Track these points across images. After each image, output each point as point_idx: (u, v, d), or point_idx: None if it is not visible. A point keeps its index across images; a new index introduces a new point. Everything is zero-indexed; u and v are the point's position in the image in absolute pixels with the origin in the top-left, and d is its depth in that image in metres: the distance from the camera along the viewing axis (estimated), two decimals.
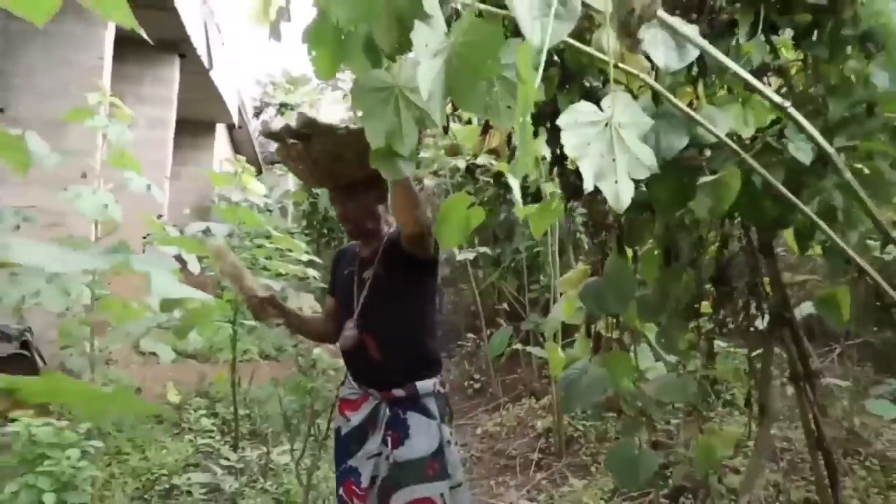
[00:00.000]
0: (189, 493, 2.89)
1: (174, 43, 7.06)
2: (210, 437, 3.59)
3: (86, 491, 1.95)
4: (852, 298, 2.33)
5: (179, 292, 1.41)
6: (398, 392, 1.83)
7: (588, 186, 1.07)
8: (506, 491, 3.33)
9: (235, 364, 3.27)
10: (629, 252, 2.13)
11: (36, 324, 4.41)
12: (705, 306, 2.74)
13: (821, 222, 1.42)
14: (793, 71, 1.99)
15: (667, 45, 1.32)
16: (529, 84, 1.02)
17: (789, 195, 1.48)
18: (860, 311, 2.77)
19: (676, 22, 1.37)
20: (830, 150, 1.32)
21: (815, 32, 1.69)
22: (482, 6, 1.33)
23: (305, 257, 3.76)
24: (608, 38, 1.24)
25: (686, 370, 2.41)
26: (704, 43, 1.21)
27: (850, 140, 1.68)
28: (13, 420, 2.06)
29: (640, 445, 2.14)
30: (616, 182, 1.07)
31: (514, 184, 1.10)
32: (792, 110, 1.29)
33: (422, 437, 1.79)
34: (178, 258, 3.24)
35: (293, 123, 1.67)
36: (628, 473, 2.08)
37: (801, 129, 1.29)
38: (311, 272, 3.45)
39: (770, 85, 1.91)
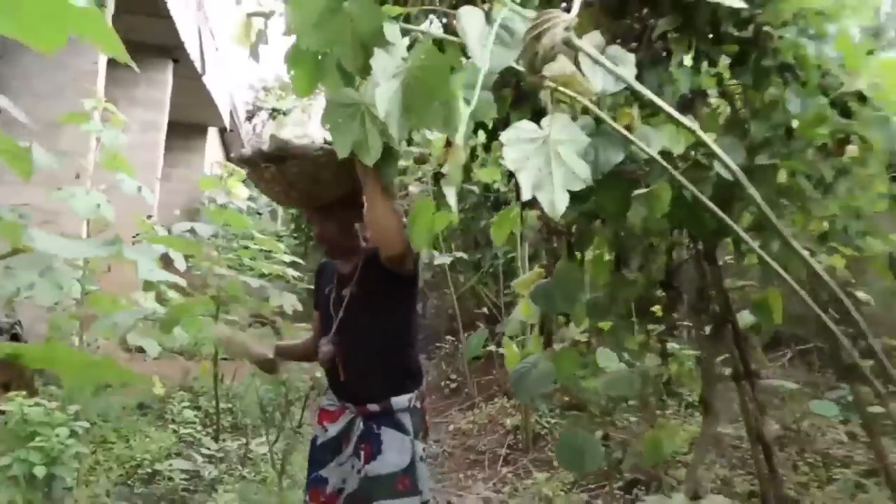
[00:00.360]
0: (170, 478, 3.04)
1: (168, 48, 7.23)
2: (192, 428, 3.75)
3: (72, 466, 2.11)
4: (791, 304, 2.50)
5: (161, 276, 1.62)
6: (372, 407, 1.85)
7: (525, 196, 1.25)
8: (473, 483, 3.50)
9: (217, 357, 3.42)
10: (579, 256, 2.32)
11: (26, 317, 4.56)
12: (658, 309, 2.95)
13: (741, 231, 1.60)
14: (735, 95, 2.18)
15: (602, 72, 1.51)
16: (463, 104, 1.21)
17: (713, 207, 1.64)
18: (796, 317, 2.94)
19: (615, 50, 1.56)
20: (734, 167, 1.49)
21: (742, 62, 1.88)
22: (440, 35, 1.52)
23: (287, 258, 3.93)
24: (551, 65, 1.42)
25: (639, 369, 2.59)
26: (613, 68, 1.38)
27: (772, 158, 1.87)
28: (9, 400, 2.22)
29: (587, 436, 2.30)
30: (552, 192, 1.25)
31: (450, 192, 1.28)
32: (700, 133, 1.47)
33: (394, 452, 1.80)
34: (166, 257, 3.40)
35: (265, 147, 1.72)
36: (574, 460, 2.24)
37: (708, 149, 1.47)
38: (291, 272, 3.62)
39: (709, 107, 2.11)
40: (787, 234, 1.72)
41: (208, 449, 3.41)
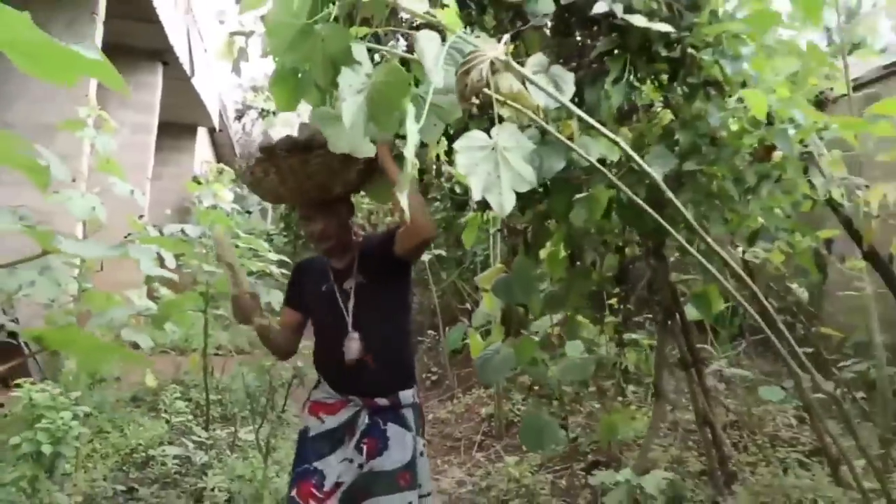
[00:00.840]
0: (164, 463, 3.25)
1: (158, 51, 7.41)
2: (184, 417, 3.95)
3: (74, 445, 2.31)
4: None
5: (159, 272, 1.86)
6: (381, 401, 1.86)
7: (476, 197, 1.46)
8: (449, 468, 3.72)
9: (207, 349, 3.63)
10: (539, 253, 2.54)
11: (22, 314, 4.74)
12: (615, 302, 3.19)
13: (670, 228, 1.81)
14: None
15: (544, 87, 1.72)
16: (412, 120, 1.42)
17: (644, 206, 1.83)
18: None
19: (557, 69, 1.78)
20: (655, 175, 1.71)
21: (673, 79, 2.10)
22: (402, 54, 1.73)
23: (274, 257, 4.14)
24: (503, 82, 1.62)
25: (594, 355, 2.81)
26: (546, 88, 1.58)
27: (700, 165, 2.09)
28: (17, 386, 2.42)
29: (547, 418, 2.52)
30: (500, 194, 1.45)
31: (402, 197, 1.49)
32: (623, 145, 1.68)
33: (398, 448, 1.82)
34: (157, 255, 3.60)
35: (298, 136, 1.75)
36: (535, 440, 2.47)
37: (630, 158, 1.68)
38: (276, 269, 3.82)
39: (650, 117, 2.32)
40: (713, 232, 1.95)
41: (199, 437, 3.61)
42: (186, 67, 8.08)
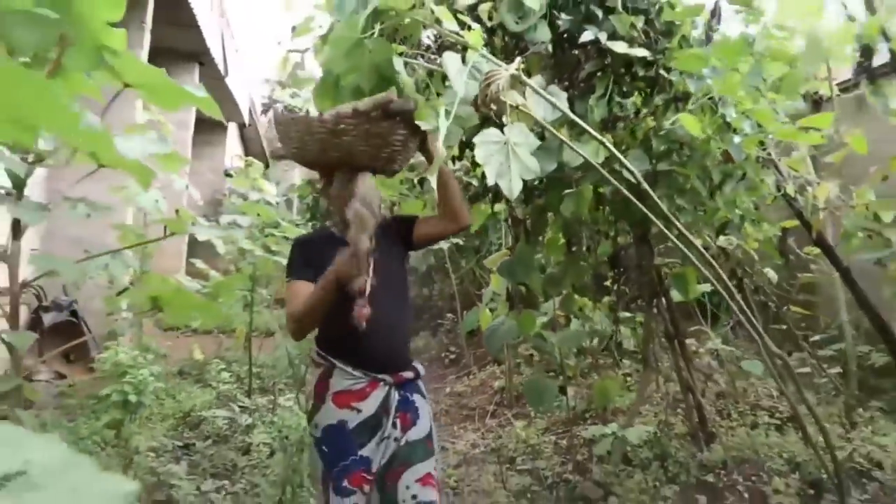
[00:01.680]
0: (214, 423, 3.74)
1: (195, 53, 7.91)
2: (228, 386, 4.44)
3: (153, 395, 2.79)
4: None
5: (224, 250, 2.40)
6: (408, 374, 1.93)
7: (490, 182, 1.87)
8: (465, 433, 4.17)
9: (252, 324, 4.10)
10: (536, 240, 2.95)
11: (81, 295, 5.26)
12: (610, 283, 3.60)
13: (651, 216, 2.21)
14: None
15: (543, 103, 2.14)
16: (444, 115, 1.81)
17: (629, 196, 2.20)
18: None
19: (553, 88, 2.20)
20: (635, 171, 2.10)
21: (650, 95, 2.51)
22: (431, 66, 2.16)
23: None
24: (511, 96, 2.03)
25: (589, 328, 3.22)
26: (550, 98, 1.98)
27: (671, 166, 2.49)
28: (106, 349, 2.90)
29: (546, 380, 2.95)
30: (510, 180, 1.85)
31: (432, 179, 1.88)
32: (610, 146, 2.06)
33: (425, 417, 1.94)
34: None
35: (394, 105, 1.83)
36: (536, 398, 2.90)
37: (615, 157, 2.07)
38: None
39: (629, 126, 2.72)
40: (683, 221, 2.35)
41: (243, 403, 4.10)
42: (221, 67, 8.57)
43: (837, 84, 4.26)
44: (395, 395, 1.89)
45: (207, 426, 3.74)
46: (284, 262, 3.88)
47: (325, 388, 1.89)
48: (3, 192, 1.35)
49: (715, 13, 2.34)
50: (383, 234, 1.94)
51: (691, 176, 2.56)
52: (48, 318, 5.03)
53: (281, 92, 17.81)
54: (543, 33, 2.43)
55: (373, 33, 1.86)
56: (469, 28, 2.00)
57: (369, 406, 1.86)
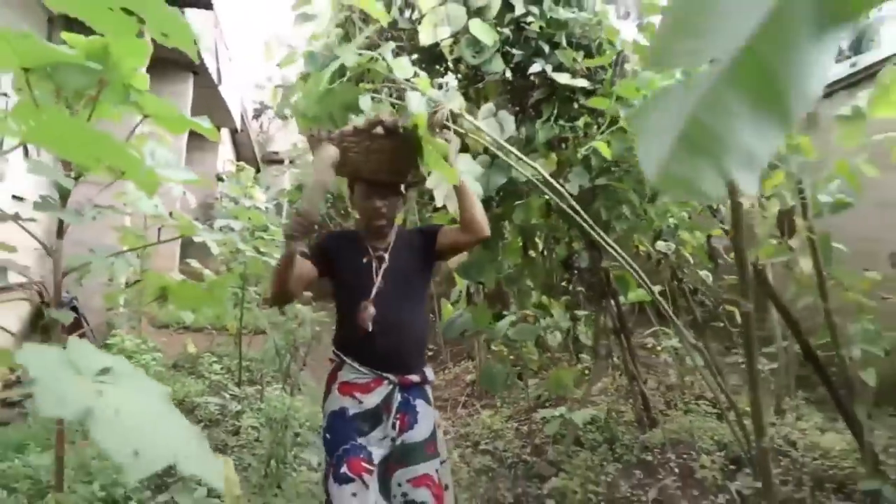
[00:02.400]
0: (207, 409, 4.09)
1: (190, 63, 8.25)
2: (220, 377, 4.79)
3: (154, 377, 3.14)
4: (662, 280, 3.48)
5: (217, 251, 2.79)
6: (414, 377, 2.01)
7: (439, 203, 2.26)
8: None
9: (242, 319, 4.46)
10: (498, 244, 3.32)
11: (81, 293, 5.60)
12: (566, 283, 3.97)
13: (586, 225, 2.58)
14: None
15: (493, 126, 2.53)
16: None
17: (570, 211, 2.57)
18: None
19: (503, 113, 2.58)
20: (564, 191, 2.48)
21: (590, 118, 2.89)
22: (395, 101, 2.52)
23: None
24: (465, 123, 2.40)
25: (543, 323, 3.60)
26: (488, 130, 2.37)
27: (609, 180, 2.88)
28: (113, 335, 3.25)
29: (499, 367, 3.33)
30: (455, 203, 2.23)
31: (439, 194, 2.24)
32: (539, 168, 2.44)
33: (425, 422, 2.00)
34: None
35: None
36: (489, 381, 3.28)
37: (546, 179, 2.45)
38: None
39: (572, 147, 3.10)
40: (618, 229, 2.73)
41: (233, 391, 4.45)
42: (214, 76, 8.92)
43: None
44: (398, 396, 1.97)
45: (201, 411, 4.09)
46: (273, 262, 4.22)
47: (333, 380, 2.04)
48: (50, 200, 1.71)
49: (618, 62, 2.73)
50: (405, 245, 2.12)
51: (628, 189, 2.95)
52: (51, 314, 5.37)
53: (272, 98, 18.14)
54: (497, 65, 2.82)
55: (342, 80, 2.23)
56: (416, 74, 2.38)
57: (371, 400, 1.96)
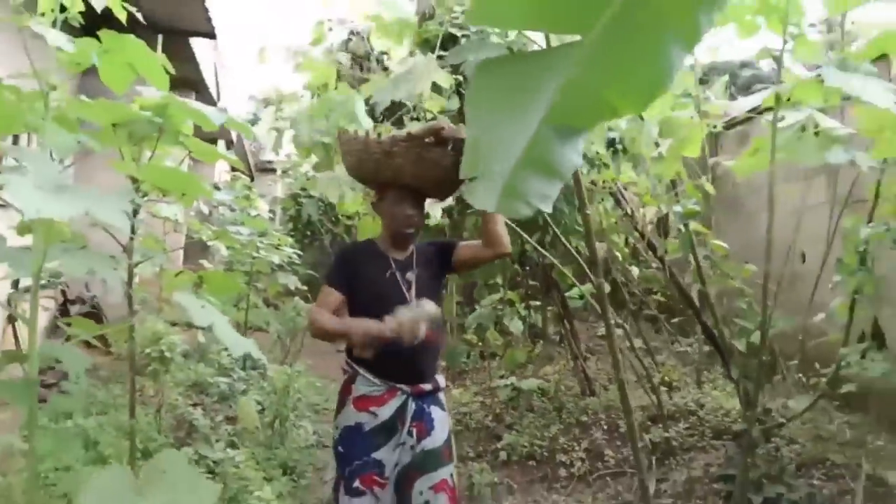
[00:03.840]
0: (218, 386, 4.79)
1: (191, 82, 8.97)
2: (227, 360, 5.49)
3: (182, 356, 3.87)
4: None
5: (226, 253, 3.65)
6: (426, 386, 2.03)
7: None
8: None
9: (248, 310, 5.16)
10: None
11: (101, 291, 6.29)
12: (522, 279, 4.69)
13: (523, 234, 3.32)
14: None
15: None
16: None
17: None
18: None
19: None
20: None
21: None
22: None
23: (291, 251, 5.69)
24: None
25: (499, 310, 4.33)
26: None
27: None
28: (141, 321, 3.96)
29: (458, 346, 4.06)
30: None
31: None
32: None
33: (441, 428, 2.04)
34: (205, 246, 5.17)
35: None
36: (453, 359, 4.01)
37: None
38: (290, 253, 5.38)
39: None
40: (563, 232, 3.47)
41: (239, 374, 5.16)
42: (214, 93, 9.64)
43: (725, 121, 5.50)
44: (412, 405, 1.99)
45: (213, 389, 4.80)
46: (274, 260, 4.94)
47: (347, 393, 2.05)
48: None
49: None
50: (422, 259, 2.13)
51: (561, 199, 3.69)
52: (74, 310, 6.07)
53: (265, 109, 18.78)
54: (454, 103, 3.55)
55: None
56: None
57: (385, 412, 1.98)
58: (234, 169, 14.90)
